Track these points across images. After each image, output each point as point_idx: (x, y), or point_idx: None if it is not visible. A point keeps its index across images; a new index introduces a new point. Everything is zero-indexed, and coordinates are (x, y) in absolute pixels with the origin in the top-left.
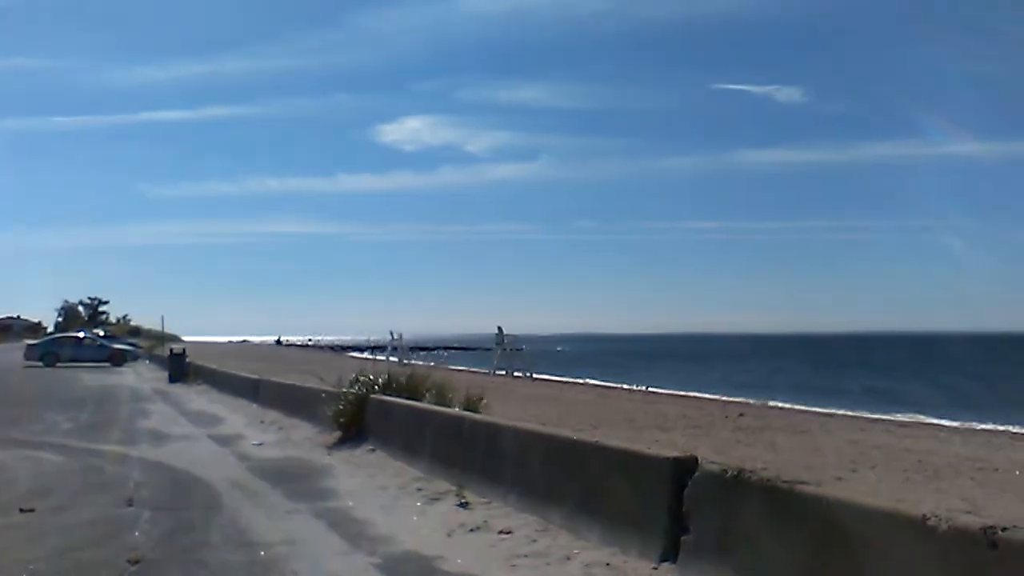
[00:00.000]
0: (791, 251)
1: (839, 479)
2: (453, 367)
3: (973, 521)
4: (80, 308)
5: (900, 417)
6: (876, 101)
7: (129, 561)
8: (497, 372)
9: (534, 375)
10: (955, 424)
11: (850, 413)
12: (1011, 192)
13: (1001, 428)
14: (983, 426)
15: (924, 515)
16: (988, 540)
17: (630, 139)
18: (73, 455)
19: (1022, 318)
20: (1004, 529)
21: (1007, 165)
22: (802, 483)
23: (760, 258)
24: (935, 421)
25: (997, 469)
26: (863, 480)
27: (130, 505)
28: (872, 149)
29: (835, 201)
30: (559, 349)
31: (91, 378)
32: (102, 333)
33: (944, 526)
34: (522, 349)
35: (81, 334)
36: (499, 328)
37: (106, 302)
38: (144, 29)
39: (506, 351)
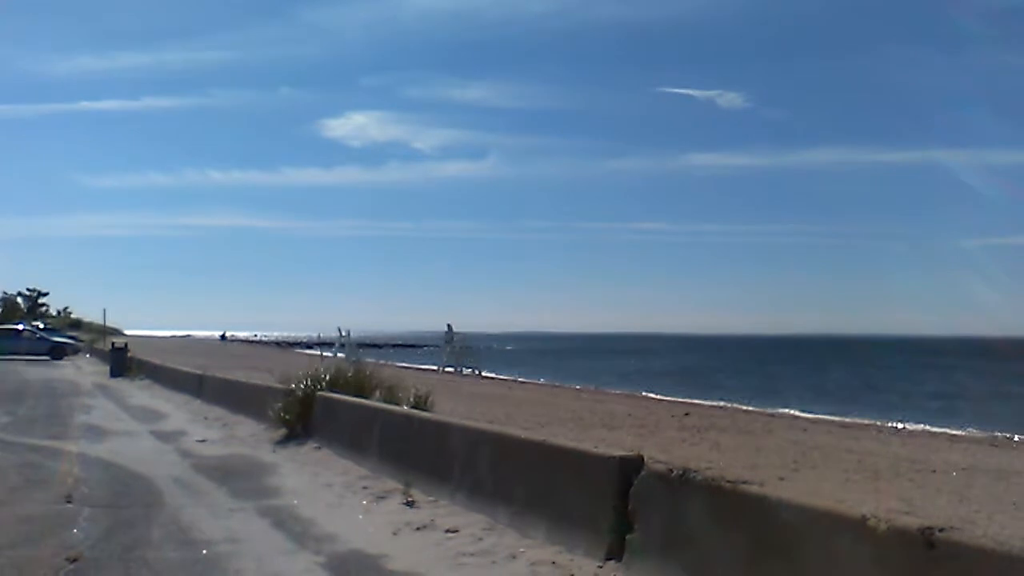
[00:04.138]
0: (740, 252)
1: (781, 479)
2: (402, 364)
3: (911, 521)
4: (19, 300)
5: (840, 418)
6: (815, 107)
7: (67, 559)
8: (446, 370)
9: (483, 373)
10: (895, 425)
11: (793, 413)
12: (951, 199)
13: (938, 430)
14: (922, 427)
15: (864, 515)
16: (926, 540)
17: (579, 139)
18: (10, 450)
19: (963, 324)
20: (941, 530)
21: (948, 171)
22: (745, 483)
23: (709, 259)
24: (876, 422)
25: (935, 470)
26: (805, 480)
27: (69, 502)
28: (811, 155)
29: (780, 204)
30: (508, 347)
31: (30, 371)
32: (42, 326)
33: (883, 526)
34: (471, 347)
35: (20, 327)
36: (448, 326)
37: (46, 294)
38: (85, 18)
39: (455, 349)
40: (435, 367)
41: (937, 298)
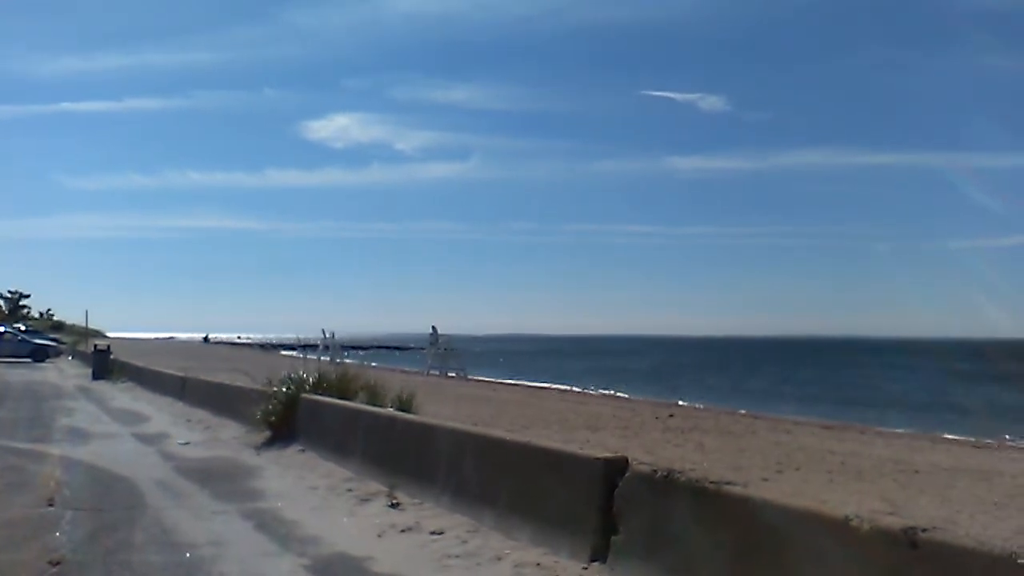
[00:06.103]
0: (724, 255)
1: (765, 480)
2: (386, 366)
3: (894, 522)
4: (1, 302)
5: (823, 420)
6: (797, 110)
7: (50, 563)
8: (431, 372)
9: (468, 375)
10: (879, 427)
11: (776, 415)
12: (938, 201)
13: (921, 431)
14: (905, 429)
15: (847, 516)
16: (908, 540)
17: (562, 142)
18: None
19: (947, 325)
20: (924, 530)
21: (935, 173)
22: (729, 484)
23: (692, 261)
24: (859, 424)
25: (918, 471)
26: (788, 481)
27: (51, 505)
28: (793, 157)
29: (763, 207)
30: (479, 349)
31: (12, 374)
32: (24, 328)
33: (866, 527)
34: (455, 349)
35: (1, 329)
36: (433, 328)
37: (27, 296)
38: (67, 19)
39: (440, 351)
40: (420, 369)
41: (925, 300)
